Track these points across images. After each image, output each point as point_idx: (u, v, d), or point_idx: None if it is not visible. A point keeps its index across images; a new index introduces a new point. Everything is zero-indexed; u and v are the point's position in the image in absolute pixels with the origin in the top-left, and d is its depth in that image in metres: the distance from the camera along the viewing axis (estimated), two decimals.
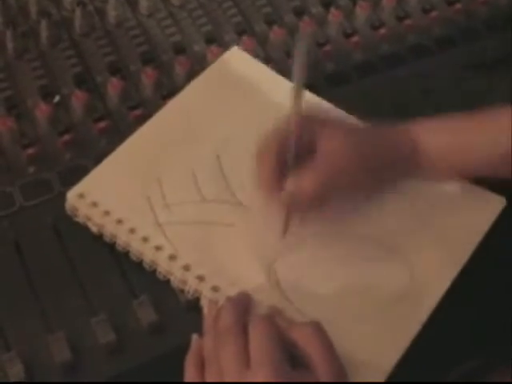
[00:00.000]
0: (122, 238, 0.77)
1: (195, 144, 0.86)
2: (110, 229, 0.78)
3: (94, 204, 0.79)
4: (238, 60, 0.94)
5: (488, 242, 0.79)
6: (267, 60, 0.96)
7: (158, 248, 0.77)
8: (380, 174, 0.78)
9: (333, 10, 1.02)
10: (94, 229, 0.79)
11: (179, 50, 0.97)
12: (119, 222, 0.78)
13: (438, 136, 0.79)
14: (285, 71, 0.94)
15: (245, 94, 0.90)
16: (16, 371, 0.71)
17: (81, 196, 0.80)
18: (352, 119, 0.84)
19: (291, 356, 0.64)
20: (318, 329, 0.66)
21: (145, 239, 0.77)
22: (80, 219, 0.80)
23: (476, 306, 0.78)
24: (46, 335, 0.73)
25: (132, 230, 0.78)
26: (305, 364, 0.64)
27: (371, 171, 0.76)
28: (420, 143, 0.78)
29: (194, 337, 0.69)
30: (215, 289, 0.74)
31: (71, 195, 0.80)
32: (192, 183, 0.82)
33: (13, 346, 0.73)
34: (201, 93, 0.90)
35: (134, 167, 0.83)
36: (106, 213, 0.79)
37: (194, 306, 0.74)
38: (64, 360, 0.71)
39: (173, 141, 0.86)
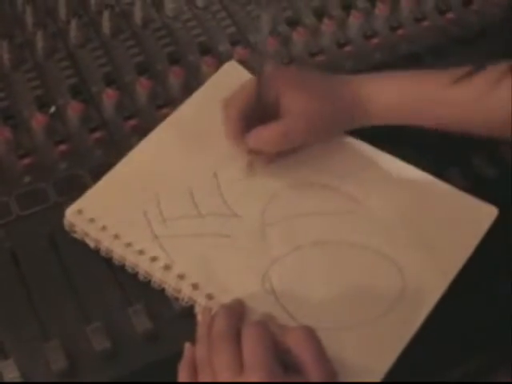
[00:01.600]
0: (118, 252, 0.78)
1: (193, 161, 0.86)
2: (106, 244, 0.79)
3: (92, 220, 0.80)
4: (234, 75, 0.94)
5: (481, 252, 0.79)
6: (261, 70, 0.96)
7: (154, 259, 0.77)
8: (331, 130, 0.87)
9: (326, 20, 1.03)
10: (92, 244, 0.79)
11: (174, 60, 0.98)
12: (116, 237, 0.79)
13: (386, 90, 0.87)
14: None
15: None
16: (13, 379, 0.71)
17: (79, 212, 0.81)
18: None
19: (284, 362, 0.65)
20: (310, 334, 0.67)
21: (141, 252, 0.78)
22: (78, 235, 0.80)
23: (473, 310, 0.79)
24: (43, 343, 0.74)
25: (128, 245, 0.78)
26: (297, 369, 0.65)
27: (323, 129, 0.86)
28: (367, 96, 0.86)
29: (187, 345, 0.70)
30: (209, 296, 0.75)
31: (69, 212, 0.81)
32: (189, 200, 0.83)
33: (10, 354, 0.74)
34: (198, 109, 0.91)
35: (133, 183, 0.84)
36: (103, 228, 0.80)
37: (189, 313, 0.75)
38: (60, 368, 0.72)
39: (170, 157, 0.86)
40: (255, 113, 0.83)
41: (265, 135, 0.83)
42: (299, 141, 0.85)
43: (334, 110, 0.85)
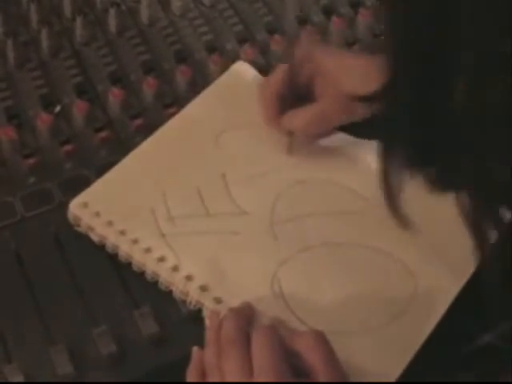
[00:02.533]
0: (124, 249, 0.77)
1: (201, 159, 0.86)
2: (112, 239, 0.78)
3: (97, 214, 0.79)
4: (243, 75, 0.93)
5: None
6: (268, 69, 0.96)
7: (161, 259, 0.76)
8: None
9: (334, 18, 1.02)
10: (96, 239, 0.78)
11: (180, 58, 0.97)
12: (122, 232, 0.78)
13: None
14: None
15: (249, 109, 0.89)
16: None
17: (84, 205, 0.80)
18: None
19: (294, 366, 0.64)
20: (320, 338, 0.66)
21: (147, 250, 0.77)
22: (82, 229, 0.79)
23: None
24: (47, 347, 0.73)
25: (135, 241, 0.77)
26: (307, 373, 0.64)
27: (357, 111, 0.84)
28: None
29: (195, 349, 0.69)
30: (217, 300, 0.74)
31: (74, 204, 0.80)
32: (197, 198, 0.82)
33: (14, 357, 0.72)
34: (206, 108, 0.90)
35: (139, 179, 0.83)
36: (109, 223, 0.79)
37: (196, 317, 0.74)
38: (65, 371, 0.71)
39: (179, 155, 0.86)
40: (291, 95, 0.85)
41: (301, 117, 0.84)
42: (334, 122, 0.85)
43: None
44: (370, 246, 0.79)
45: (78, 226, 0.79)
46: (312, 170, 0.86)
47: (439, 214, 0.82)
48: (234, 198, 0.82)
